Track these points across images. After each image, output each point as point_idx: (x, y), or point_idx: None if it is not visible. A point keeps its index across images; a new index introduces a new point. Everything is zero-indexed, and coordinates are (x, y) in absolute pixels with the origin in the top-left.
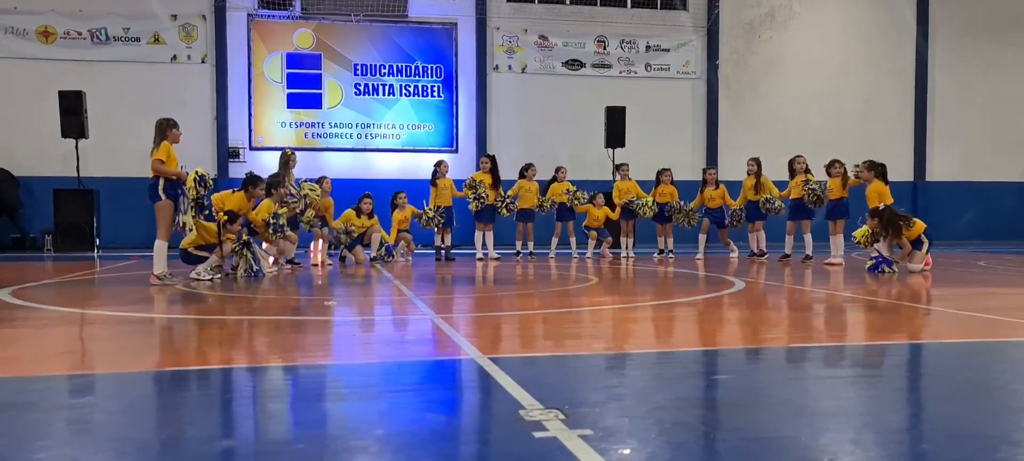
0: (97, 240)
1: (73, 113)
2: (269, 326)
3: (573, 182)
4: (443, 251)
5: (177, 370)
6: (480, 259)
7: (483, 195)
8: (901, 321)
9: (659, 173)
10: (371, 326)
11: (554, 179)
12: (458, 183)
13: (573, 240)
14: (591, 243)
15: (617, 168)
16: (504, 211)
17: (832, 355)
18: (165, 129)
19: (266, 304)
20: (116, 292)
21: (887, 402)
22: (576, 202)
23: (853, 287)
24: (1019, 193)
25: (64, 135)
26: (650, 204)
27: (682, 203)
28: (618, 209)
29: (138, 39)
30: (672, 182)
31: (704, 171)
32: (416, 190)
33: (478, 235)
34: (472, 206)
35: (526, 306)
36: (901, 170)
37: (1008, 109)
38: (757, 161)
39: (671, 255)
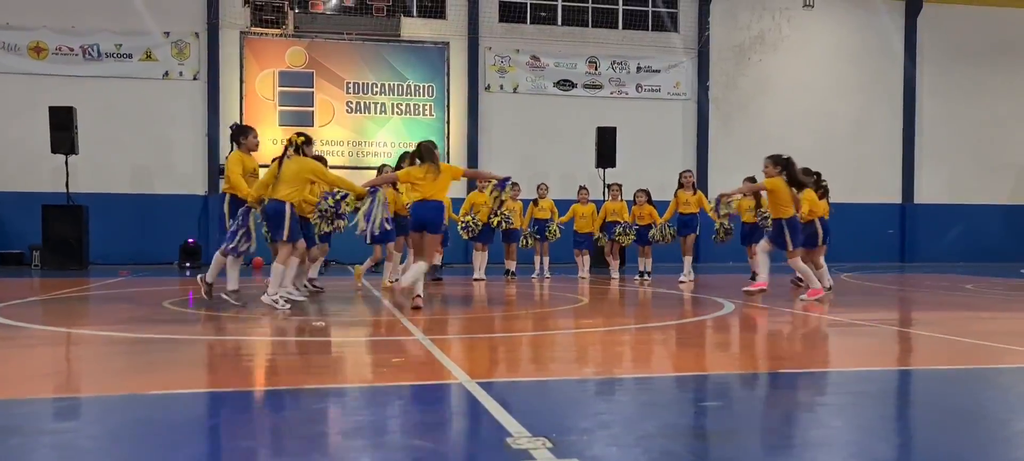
0: (87, 257)
1: (63, 129)
2: (255, 346)
3: (563, 202)
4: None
5: (163, 394)
6: (477, 280)
7: (506, 215)
8: (890, 346)
9: (636, 194)
10: (358, 347)
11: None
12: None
13: (545, 260)
14: (580, 260)
15: (608, 188)
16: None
17: (820, 382)
18: (237, 136)
19: (253, 324)
20: (105, 310)
21: (872, 431)
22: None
23: (841, 310)
24: (1005, 215)
25: (54, 150)
26: (623, 232)
27: (657, 226)
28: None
29: (130, 55)
30: (650, 201)
31: (681, 174)
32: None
33: (477, 256)
34: (464, 233)
35: (515, 328)
36: (889, 192)
37: (994, 133)
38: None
39: (648, 277)
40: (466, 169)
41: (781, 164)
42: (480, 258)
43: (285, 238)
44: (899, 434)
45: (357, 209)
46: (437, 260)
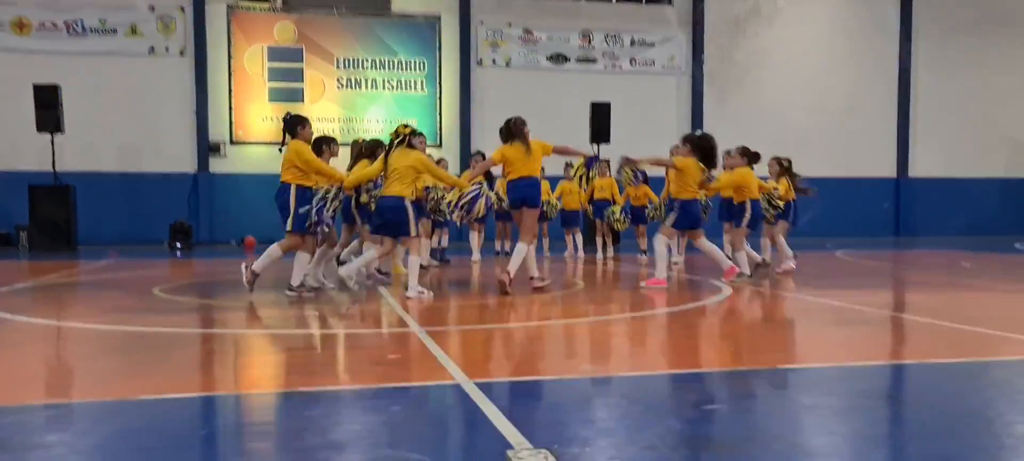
0: (76, 237)
1: (48, 107)
2: (244, 343)
3: (556, 178)
4: (439, 252)
5: (153, 399)
6: (476, 261)
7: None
8: (890, 337)
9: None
10: (353, 342)
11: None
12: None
13: (544, 241)
14: (569, 239)
15: (595, 161)
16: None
17: (823, 379)
18: (293, 126)
19: (242, 317)
20: (94, 300)
21: (877, 438)
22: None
23: (834, 293)
24: (1000, 189)
25: (39, 129)
26: (620, 218)
27: (653, 204)
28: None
29: (115, 31)
30: (646, 181)
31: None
32: None
33: (474, 236)
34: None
35: (513, 318)
36: (884, 167)
37: (989, 107)
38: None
39: (645, 256)
40: (556, 145)
41: (693, 143)
42: (477, 239)
43: (414, 233)
44: (904, 441)
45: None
46: (445, 241)
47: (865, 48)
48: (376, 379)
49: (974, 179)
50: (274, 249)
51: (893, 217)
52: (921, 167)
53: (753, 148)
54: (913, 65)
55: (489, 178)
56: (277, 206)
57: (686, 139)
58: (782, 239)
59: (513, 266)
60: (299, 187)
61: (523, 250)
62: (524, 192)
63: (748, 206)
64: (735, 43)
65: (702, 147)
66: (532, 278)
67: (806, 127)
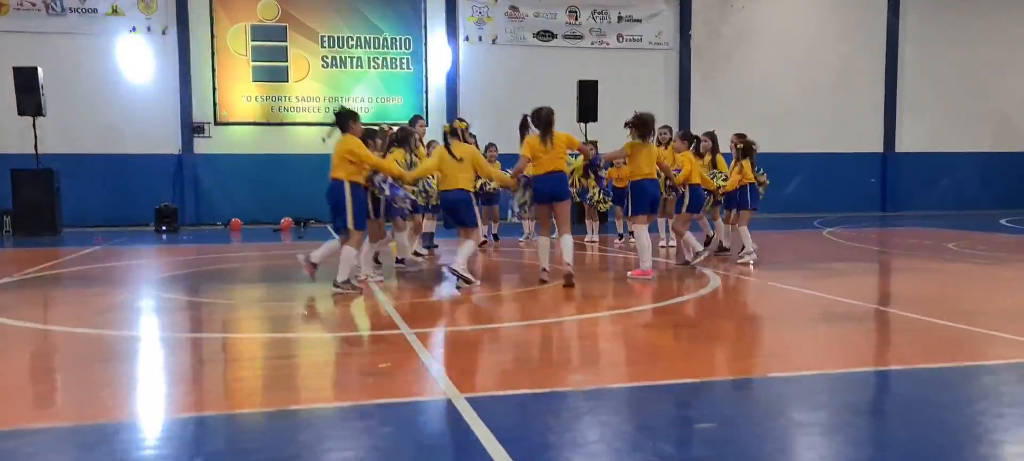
0: (60, 221)
1: (29, 90)
2: (231, 348)
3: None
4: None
5: (129, 422)
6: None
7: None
8: (876, 337)
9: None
10: (338, 349)
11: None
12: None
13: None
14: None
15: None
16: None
17: (807, 390)
18: (346, 121)
19: (231, 316)
20: (79, 297)
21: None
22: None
23: (816, 280)
24: (986, 163)
25: (20, 113)
26: (602, 199)
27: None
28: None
29: (95, 10)
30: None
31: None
32: None
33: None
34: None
35: (503, 316)
36: (871, 141)
37: (976, 80)
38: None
39: (620, 238)
40: (582, 143)
41: (637, 126)
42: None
43: (475, 223)
44: None
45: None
46: (432, 227)
47: (853, 23)
48: (366, 394)
49: (961, 153)
50: (348, 253)
51: (880, 191)
52: (908, 141)
53: (740, 124)
54: (900, 39)
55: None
56: (330, 203)
57: (629, 123)
58: (745, 230)
59: (568, 256)
60: (353, 184)
61: (569, 242)
62: (555, 186)
63: (687, 191)
64: (723, 18)
65: (637, 124)
66: (544, 270)
67: (793, 102)
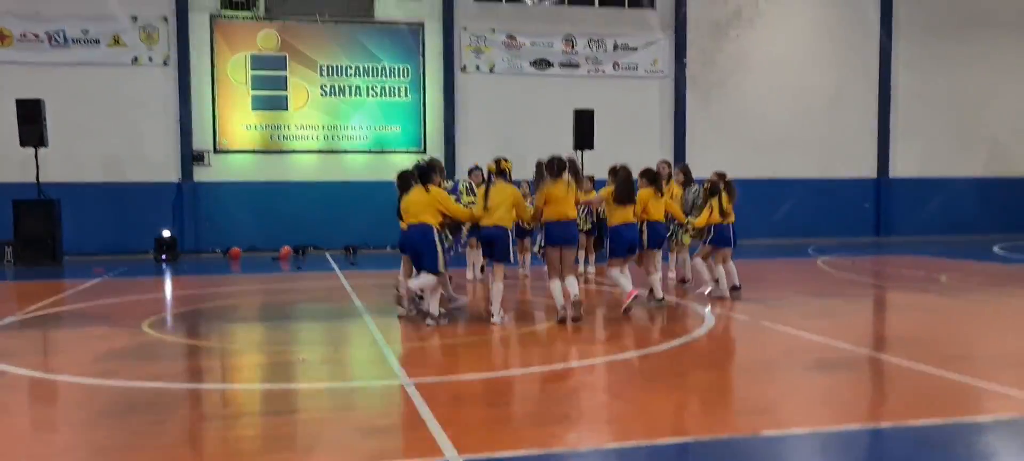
0: (61, 251)
1: (32, 121)
2: (234, 403)
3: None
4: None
5: None
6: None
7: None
8: (869, 388)
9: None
10: (335, 402)
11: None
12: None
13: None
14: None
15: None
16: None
17: (798, 450)
18: (428, 174)
19: (234, 364)
20: (81, 338)
21: None
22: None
23: (817, 322)
24: (980, 188)
25: (23, 144)
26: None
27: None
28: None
29: (97, 41)
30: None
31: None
32: (385, 191)
33: (471, 253)
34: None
35: (504, 362)
36: (864, 167)
37: (969, 105)
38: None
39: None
40: (581, 195)
41: (612, 173)
42: (474, 256)
43: (511, 260)
44: None
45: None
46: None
47: (846, 49)
48: (364, 457)
49: (954, 178)
50: (432, 285)
51: (874, 217)
52: (901, 167)
53: (735, 150)
54: (893, 65)
55: (455, 227)
56: (414, 247)
57: (642, 172)
58: (721, 268)
59: (575, 292)
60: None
61: (573, 282)
62: (567, 232)
63: (645, 228)
64: (717, 45)
65: (616, 174)
66: (562, 307)
67: (788, 128)
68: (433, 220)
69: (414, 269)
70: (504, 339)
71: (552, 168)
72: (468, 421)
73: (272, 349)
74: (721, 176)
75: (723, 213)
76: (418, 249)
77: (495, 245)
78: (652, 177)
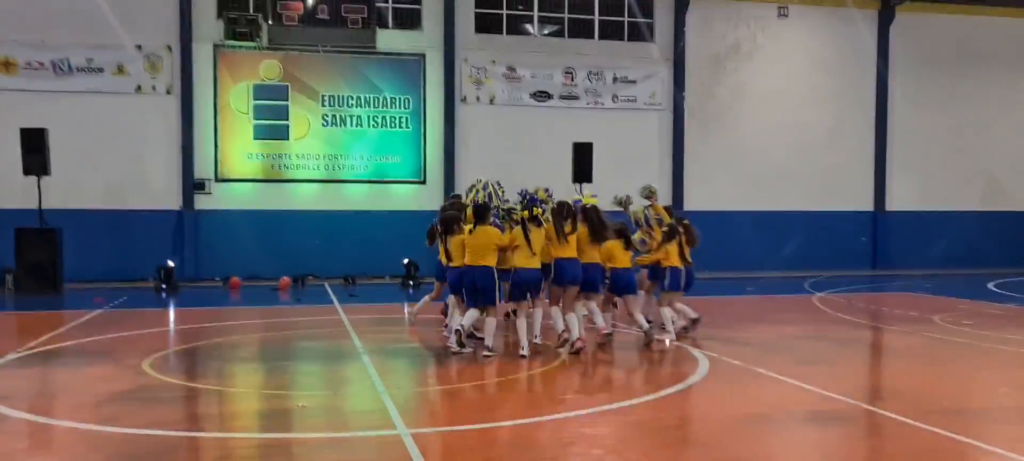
0: (61, 279)
1: (35, 151)
2: (229, 456)
3: None
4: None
5: None
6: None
7: None
8: (864, 449)
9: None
10: (335, 450)
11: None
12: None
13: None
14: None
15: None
16: None
17: None
18: (483, 214)
19: (230, 414)
20: (80, 380)
21: None
22: None
23: (810, 369)
24: (977, 221)
25: (26, 173)
26: None
27: None
28: None
29: (102, 70)
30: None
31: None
32: (385, 221)
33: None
34: None
35: (506, 411)
36: (861, 200)
37: (966, 140)
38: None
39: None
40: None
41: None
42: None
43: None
44: None
45: None
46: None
47: (843, 83)
48: None
49: (950, 212)
50: (491, 322)
51: (870, 250)
52: (898, 200)
53: (733, 182)
54: (890, 99)
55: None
56: (473, 285)
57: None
58: (666, 310)
59: (577, 330)
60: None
61: (574, 320)
62: (575, 272)
63: (608, 272)
64: (716, 79)
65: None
66: (578, 339)
67: (785, 161)
68: (493, 260)
69: (465, 306)
70: (505, 383)
71: (560, 216)
72: None
73: (271, 393)
74: (680, 220)
75: (682, 258)
76: (481, 287)
77: (532, 286)
78: (619, 231)
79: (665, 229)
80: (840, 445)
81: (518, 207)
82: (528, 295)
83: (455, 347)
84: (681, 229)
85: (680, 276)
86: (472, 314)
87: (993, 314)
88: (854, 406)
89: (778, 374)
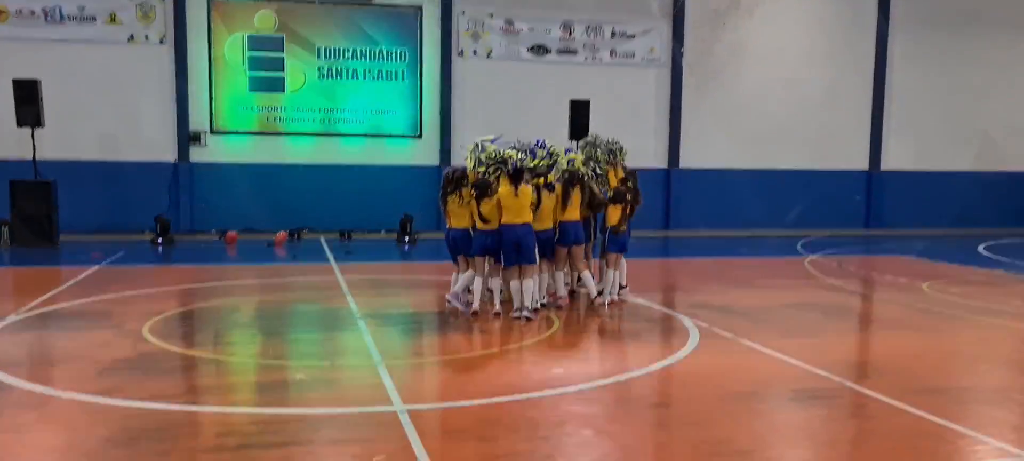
0: (57, 231)
1: (29, 102)
2: (227, 430)
3: None
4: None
5: None
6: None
7: None
8: (849, 428)
9: None
10: (330, 427)
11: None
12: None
13: None
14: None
15: None
16: None
17: None
18: (526, 175)
19: (228, 386)
20: (80, 346)
21: None
22: None
23: (798, 341)
24: (971, 182)
25: (19, 124)
26: None
27: None
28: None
29: (94, 18)
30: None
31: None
32: (380, 176)
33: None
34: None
35: (500, 385)
36: (857, 160)
37: (963, 100)
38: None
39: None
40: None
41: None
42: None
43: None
44: None
45: None
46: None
47: (842, 42)
48: None
49: (944, 172)
50: (529, 284)
51: (864, 210)
52: (893, 160)
53: (730, 140)
54: (889, 59)
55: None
56: (515, 243)
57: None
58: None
59: (595, 289)
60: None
61: (588, 275)
62: (574, 232)
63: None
64: (715, 35)
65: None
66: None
67: (783, 119)
68: (531, 218)
69: (500, 266)
70: (501, 353)
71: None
72: (458, 456)
73: (268, 363)
74: (626, 181)
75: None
76: (523, 244)
77: (543, 245)
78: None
79: (610, 191)
80: (823, 430)
81: (534, 161)
82: (526, 256)
83: (528, 314)
84: (628, 195)
85: (625, 238)
86: (467, 277)
87: (980, 279)
88: (839, 385)
89: (766, 347)
